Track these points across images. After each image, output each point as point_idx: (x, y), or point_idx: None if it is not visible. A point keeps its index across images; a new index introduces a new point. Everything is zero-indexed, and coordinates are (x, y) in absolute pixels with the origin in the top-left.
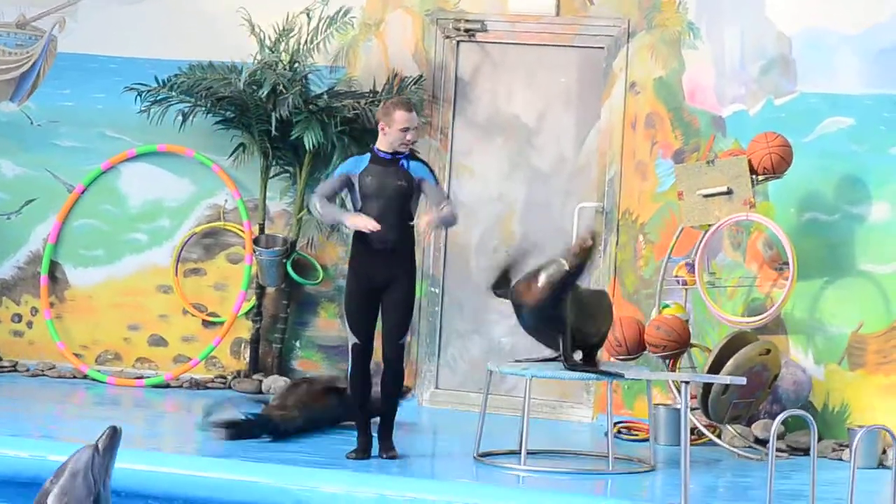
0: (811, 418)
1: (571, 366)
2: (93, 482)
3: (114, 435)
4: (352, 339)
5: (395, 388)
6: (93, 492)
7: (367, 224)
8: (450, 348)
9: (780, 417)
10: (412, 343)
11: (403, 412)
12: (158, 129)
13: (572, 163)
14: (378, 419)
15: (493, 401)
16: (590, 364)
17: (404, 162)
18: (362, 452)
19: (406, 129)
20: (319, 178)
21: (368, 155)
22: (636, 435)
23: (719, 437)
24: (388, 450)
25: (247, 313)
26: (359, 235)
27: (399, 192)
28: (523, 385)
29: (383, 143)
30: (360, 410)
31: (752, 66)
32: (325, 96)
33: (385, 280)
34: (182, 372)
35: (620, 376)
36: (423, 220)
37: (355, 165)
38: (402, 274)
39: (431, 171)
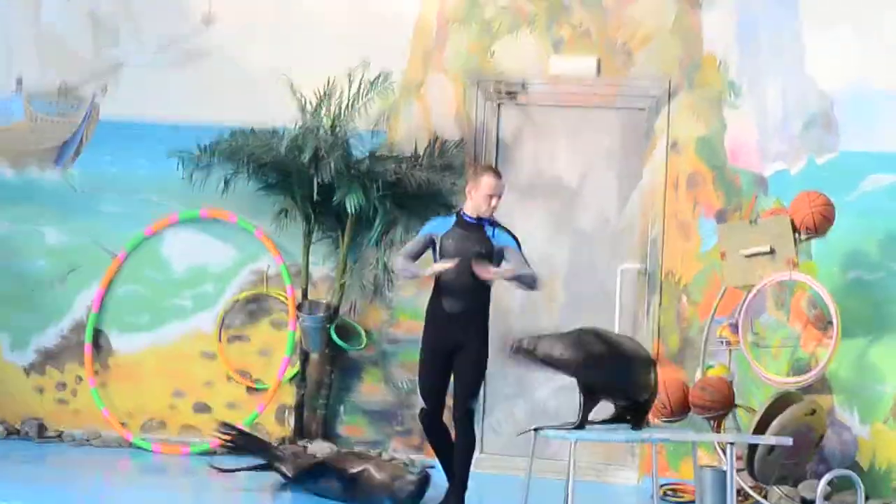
0: (857, 478)
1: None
2: None
3: None
4: (421, 404)
5: (464, 452)
6: None
7: (446, 265)
8: (494, 412)
9: (826, 477)
10: None
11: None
12: (201, 194)
13: (615, 224)
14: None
15: (538, 465)
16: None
17: (489, 229)
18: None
19: (491, 196)
20: (362, 243)
21: (454, 217)
22: (682, 497)
23: (766, 498)
24: None
25: (291, 379)
26: (432, 301)
27: (477, 257)
28: (568, 448)
29: (469, 207)
30: (446, 471)
31: (794, 123)
32: (367, 160)
33: (456, 344)
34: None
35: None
36: (502, 267)
37: (441, 226)
38: (474, 337)
39: (516, 240)
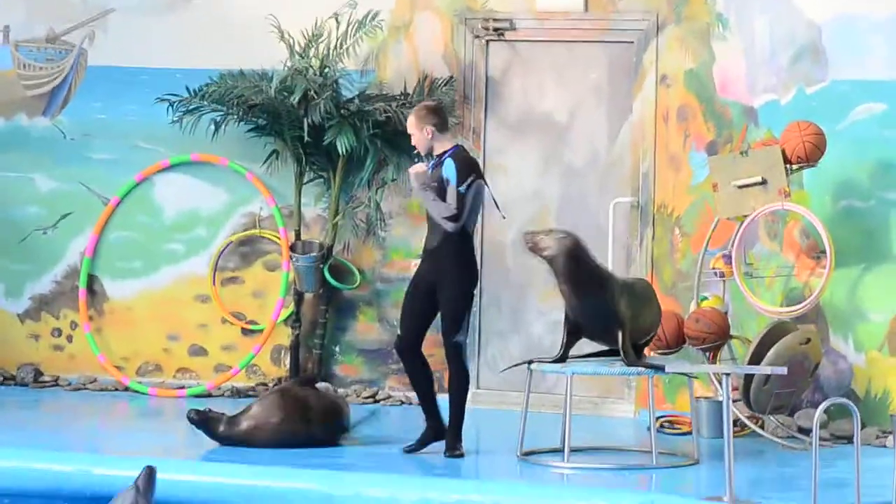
0: (854, 406)
1: (631, 362)
2: None
3: (150, 475)
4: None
5: (456, 387)
6: None
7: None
8: (489, 348)
9: (822, 406)
10: None
11: (445, 412)
12: (191, 138)
13: (605, 158)
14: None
15: (534, 399)
16: (638, 358)
17: (444, 161)
18: (419, 444)
19: (409, 133)
20: (353, 182)
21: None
22: (679, 429)
23: (762, 428)
24: (451, 449)
25: (286, 320)
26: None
27: (435, 193)
28: (564, 382)
29: None
30: (422, 402)
31: (783, 55)
32: (357, 100)
33: (434, 280)
34: (223, 381)
35: (661, 369)
36: (415, 167)
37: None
38: (451, 274)
39: (459, 172)
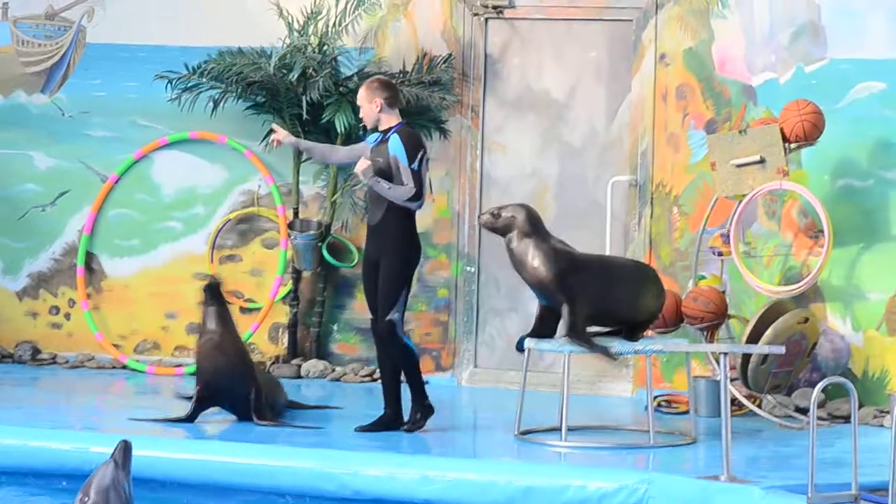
0: (851, 385)
1: (573, 338)
2: (124, 495)
3: (127, 448)
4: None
5: (403, 363)
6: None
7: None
8: (487, 327)
9: (820, 385)
10: (450, 322)
11: (443, 391)
12: (190, 116)
13: (604, 136)
14: None
15: (531, 378)
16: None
17: (390, 137)
18: (372, 425)
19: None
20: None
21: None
22: (676, 408)
23: (760, 407)
24: (412, 423)
25: (284, 298)
26: None
27: (376, 166)
28: (562, 361)
29: None
30: (384, 384)
31: (782, 33)
32: (355, 78)
33: (376, 256)
34: None
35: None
36: (359, 165)
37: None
38: (389, 250)
39: (408, 149)
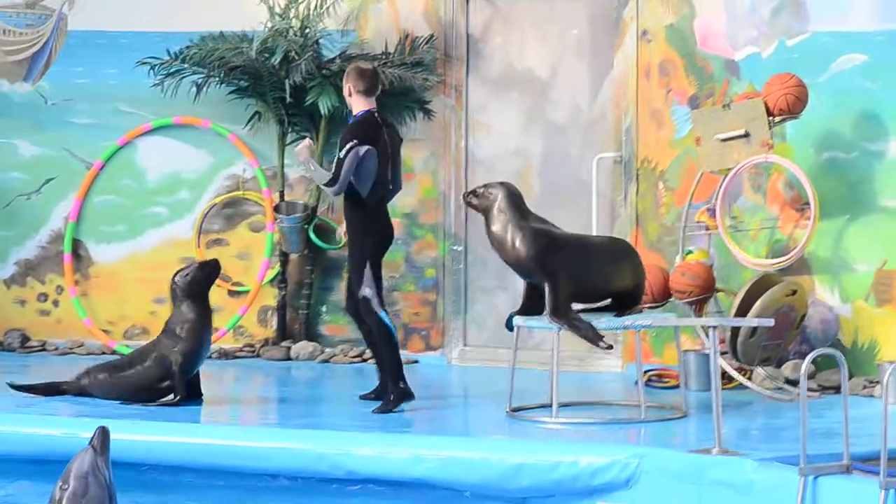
0: (841, 356)
1: (557, 318)
2: (104, 480)
3: (104, 434)
4: None
5: (377, 340)
6: (106, 489)
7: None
8: (476, 305)
9: (809, 357)
10: (438, 302)
11: (433, 370)
12: (173, 101)
13: (588, 114)
14: None
15: (521, 355)
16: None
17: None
18: (376, 395)
19: None
20: (336, 143)
21: None
22: (666, 382)
23: (750, 379)
24: (385, 404)
25: (271, 281)
26: None
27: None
28: (551, 339)
29: None
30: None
31: (763, 7)
32: (338, 60)
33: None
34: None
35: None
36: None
37: None
38: (352, 241)
39: (342, 138)
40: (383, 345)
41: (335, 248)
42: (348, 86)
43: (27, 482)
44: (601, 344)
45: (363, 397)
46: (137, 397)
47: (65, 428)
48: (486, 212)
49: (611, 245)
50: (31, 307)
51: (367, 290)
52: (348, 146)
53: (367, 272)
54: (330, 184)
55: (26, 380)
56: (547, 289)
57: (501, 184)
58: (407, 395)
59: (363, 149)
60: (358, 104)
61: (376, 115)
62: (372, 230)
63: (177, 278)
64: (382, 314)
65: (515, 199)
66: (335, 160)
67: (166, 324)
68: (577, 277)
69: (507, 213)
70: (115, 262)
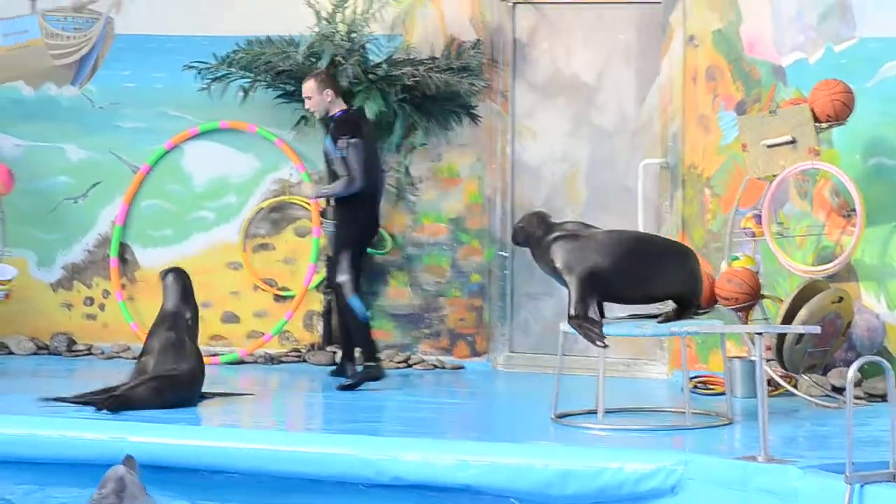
0: (887, 364)
1: (571, 319)
2: (139, 480)
3: (131, 460)
4: None
5: (350, 323)
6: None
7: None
8: (522, 311)
9: (855, 364)
10: (484, 308)
11: (478, 376)
12: (220, 105)
13: (634, 120)
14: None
15: (567, 361)
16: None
17: (328, 142)
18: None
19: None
20: (383, 147)
21: None
22: (712, 389)
23: (795, 387)
24: (350, 378)
25: (317, 286)
26: None
27: (326, 156)
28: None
29: None
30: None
31: (810, 13)
32: (384, 65)
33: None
34: (256, 347)
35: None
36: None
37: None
38: (339, 229)
39: (334, 139)
40: (353, 327)
41: (381, 253)
42: (327, 91)
43: (63, 487)
44: (598, 343)
45: (340, 388)
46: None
47: (113, 432)
48: (527, 243)
49: (659, 245)
50: (78, 311)
51: (342, 277)
52: (342, 142)
53: (346, 259)
54: (350, 184)
55: (72, 384)
56: (568, 291)
57: (526, 214)
58: (378, 374)
59: (354, 140)
60: (338, 104)
61: (354, 110)
62: (357, 219)
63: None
64: (353, 299)
65: (541, 220)
66: (338, 160)
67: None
68: (607, 275)
69: (541, 236)
70: (162, 265)
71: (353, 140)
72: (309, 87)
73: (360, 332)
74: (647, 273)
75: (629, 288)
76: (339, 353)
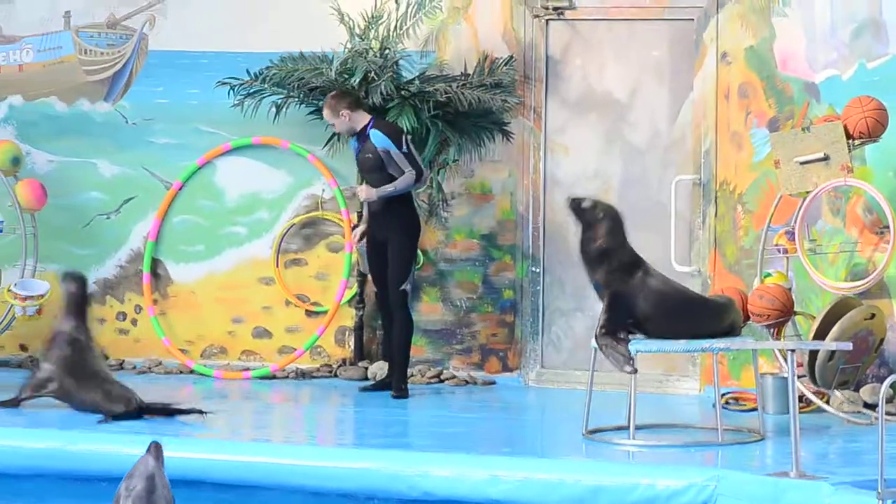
0: None
1: (599, 339)
2: (167, 482)
3: (158, 448)
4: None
5: (400, 333)
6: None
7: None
8: (553, 327)
9: (888, 381)
10: (516, 323)
11: (510, 391)
12: (252, 122)
13: (667, 136)
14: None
15: (598, 377)
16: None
17: (371, 133)
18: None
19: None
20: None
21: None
22: (744, 405)
23: (828, 403)
24: (397, 391)
25: (349, 301)
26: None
27: (369, 164)
28: None
29: None
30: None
31: (843, 30)
32: (417, 81)
33: (383, 238)
34: (288, 363)
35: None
36: (361, 194)
37: (354, 146)
38: (395, 232)
39: (392, 137)
40: (406, 336)
41: (414, 270)
42: (342, 112)
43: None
44: (626, 369)
45: (364, 389)
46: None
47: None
48: (586, 226)
49: (703, 306)
50: (110, 326)
51: (407, 286)
52: (404, 139)
53: (413, 267)
54: (416, 178)
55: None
56: (602, 307)
57: (611, 207)
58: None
59: (410, 137)
60: (361, 117)
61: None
62: (417, 221)
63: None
64: (411, 310)
65: (617, 225)
66: (400, 156)
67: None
68: (641, 321)
69: (604, 235)
70: (194, 281)
71: (409, 137)
72: (326, 115)
73: (409, 340)
74: (683, 328)
75: (662, 335)
76: (375, 367)
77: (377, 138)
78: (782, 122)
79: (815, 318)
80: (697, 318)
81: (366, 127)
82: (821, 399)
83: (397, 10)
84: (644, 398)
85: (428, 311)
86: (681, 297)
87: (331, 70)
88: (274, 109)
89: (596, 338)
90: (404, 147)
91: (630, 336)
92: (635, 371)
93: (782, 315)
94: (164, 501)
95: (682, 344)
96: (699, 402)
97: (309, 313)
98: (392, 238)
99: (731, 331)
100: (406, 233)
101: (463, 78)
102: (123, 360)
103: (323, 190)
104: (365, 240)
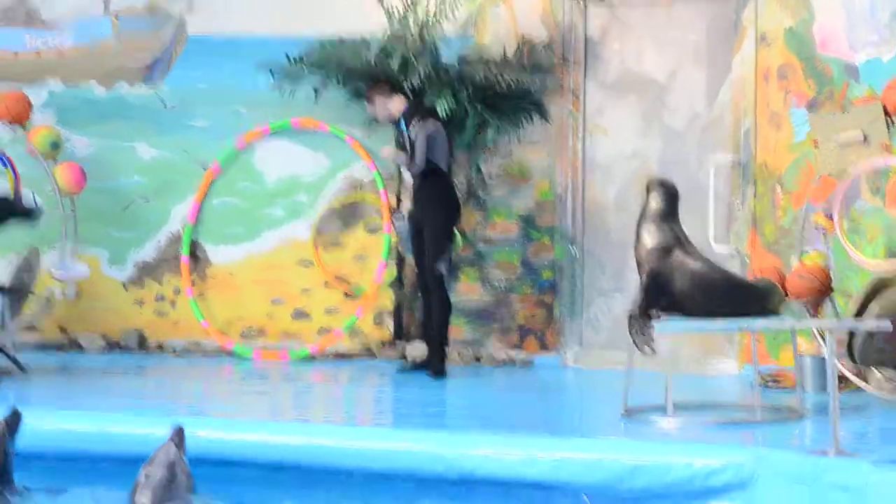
0: None
1: (630, 318)
2: (188, 469)
3: (181, 432)
4: None
5: (438, 314)
6: (191, 478)
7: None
8: (592, 307)
9: None
10: (555, 304)
11: (548, 371)
12: (291, 104)
13: (706, 117)
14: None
15: (637, 357)
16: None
17: (403, 126)
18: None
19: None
20: (454, 146)
21: None
22: (783, 384)
23: (866, 382)
24: (435, 371)
25: (388, 283)
26: None
27: (406, 150)
28: (667, 340)
29: None
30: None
31: (883, 11)
32: (456, 64)
33: (420, 219)
34: (327, 344)
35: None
36: (384, 153)
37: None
38: (430, 214)
39: (422, 131)
40: (443, 316)
41: (453, 250)
42: (377, 100)
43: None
44: (645, 349)
45: (402, 370)
46: None
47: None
48: (669, 189)
49: (747, 290)
50: (149, 308)
51: (443, 266)
52: (415, 127)
53: (449, 248)
54: (408, 164)
55: (143, 382)
56: (639, 287)
57: (664, 181)
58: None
59: (429, 126)
60: (398, 101)
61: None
62: (453, 200)
63: None
64: (449, 291)
65: (670, 199)
66: (418, 147)
67: None
68: (680, 302)
69: (654, 209)
70: (233, 263)
71: (424, 123)
72: (370, 110)
73: (446, 320)
74: (726, 313)
75: (701, 316)
76: (411, 348)
77: (412, 131)
78: (822, 102)
79: (853, 297)
80: (742, 302)
81: (405, 112)
82: (860, 378)
83: None
84: (682, 378)
85: (467, 291)
86: (724, 280)
87: (370, 54)
88: (313, 92)
89: (628, 315)
90: (421, 135)
91: (661, 317)
92: (654, 352)
93: (821, 294)
94: (184, 489)
95: (720, 323)
96: (738, 381)
97: (348, 295)
98: (427, 218)
99: (772, 312)
100: (441, 214)
101: (502, 61)
102: (162, 343)
103: (361, 172)
104: (403, 221)
